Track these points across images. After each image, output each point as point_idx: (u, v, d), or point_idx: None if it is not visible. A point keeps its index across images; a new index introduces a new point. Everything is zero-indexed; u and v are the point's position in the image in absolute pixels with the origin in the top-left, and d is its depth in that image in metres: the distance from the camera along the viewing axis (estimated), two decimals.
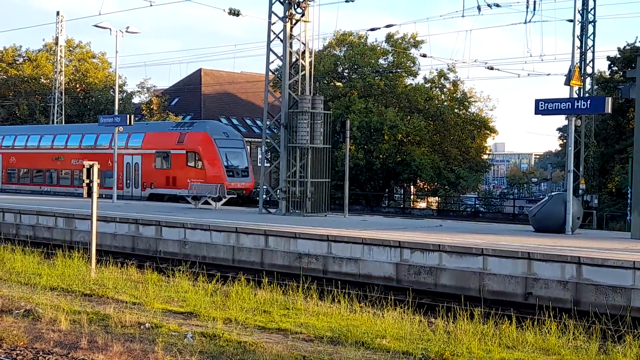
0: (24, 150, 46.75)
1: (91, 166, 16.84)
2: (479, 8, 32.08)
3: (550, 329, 10.85)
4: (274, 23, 27.78)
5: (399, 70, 50.67)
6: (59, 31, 56.09)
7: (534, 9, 33.65)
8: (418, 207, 52.80)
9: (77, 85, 61.80)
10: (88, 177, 17.12)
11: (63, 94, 56.09)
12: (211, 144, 38.29)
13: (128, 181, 40.24)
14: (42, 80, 61.03)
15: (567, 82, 22.09)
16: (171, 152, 38.14)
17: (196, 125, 40.03)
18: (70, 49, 61.78)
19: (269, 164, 31.80)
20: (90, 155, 38.72)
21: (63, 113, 55.69)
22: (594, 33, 35.79)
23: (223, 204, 31.46)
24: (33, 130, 48.73)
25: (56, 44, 56.67)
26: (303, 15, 27.53)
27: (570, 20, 31.10)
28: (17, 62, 62.65)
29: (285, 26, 27.45)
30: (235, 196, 35.42)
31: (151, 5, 31.57)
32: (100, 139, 42.20)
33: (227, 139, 39.38)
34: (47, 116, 57.61)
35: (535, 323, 11.42)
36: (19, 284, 14.70)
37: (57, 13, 56.14)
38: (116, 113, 37.07)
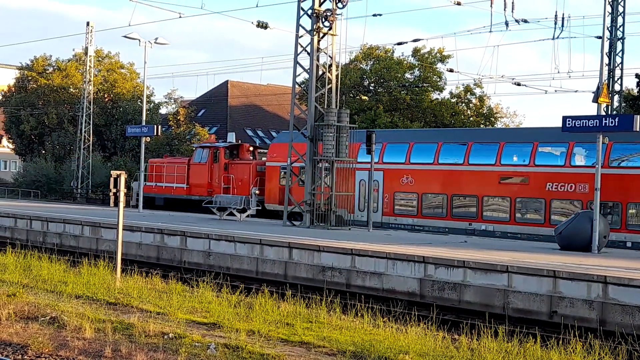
0: (430, 166, 31.45)
1: (118, 176, 17.01)
2: (506, 23, 31.98)
3: (576, 348, 10.74)
4: (302, 36, 27.91)
5: (425, 85, 50.60)
6: (89, 41, 56.73)
7: (562, 25, 33.62)
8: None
9: (105, 95, 62.37)
10: (115, 186, 17.27)
11: (92, 103, 56.67)
12: None
13: None
14: (71, 89, 61.67)
15: (595, 100, 21.95)
16: None
17: None
18: (99, 59, 62.37)
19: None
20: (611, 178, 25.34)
21: (91, 123, 56.26)
22: (622, 50, 35.53)
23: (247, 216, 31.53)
24: (448, 135, 32.43)
25: (85, 54, 57.31)
26: (330, 28, 27.63)
27: (599, 37, 30.87)
28: (47, 72, 63.34)
29: (312, 39, 27.55)
30: None
31: (180, 17, 32.00)
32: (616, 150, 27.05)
33: None
34: (75, 125, 58.20)
35: (560, 342, 11.32)
36: (45, 291, 14.85)
37: (87, 23, 56.83)
38: (143, 123, 37.46)
